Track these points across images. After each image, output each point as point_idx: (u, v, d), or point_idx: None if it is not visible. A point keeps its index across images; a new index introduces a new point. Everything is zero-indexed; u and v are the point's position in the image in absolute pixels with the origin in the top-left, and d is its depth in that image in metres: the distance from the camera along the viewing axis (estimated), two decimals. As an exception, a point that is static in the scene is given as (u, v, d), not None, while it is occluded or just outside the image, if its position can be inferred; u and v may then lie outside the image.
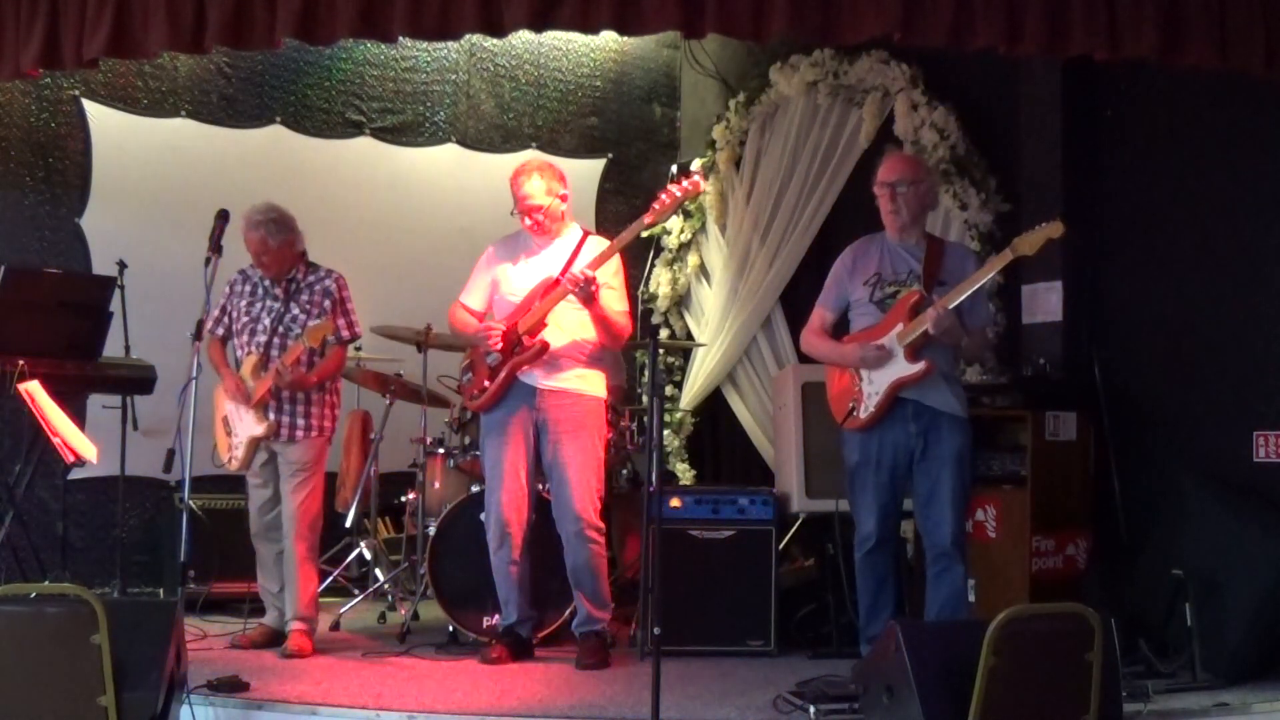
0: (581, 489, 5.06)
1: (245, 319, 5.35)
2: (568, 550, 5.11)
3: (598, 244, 5.15)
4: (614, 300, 5.12)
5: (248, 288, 5.40)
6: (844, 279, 4.89)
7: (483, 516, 5.19)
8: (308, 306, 5.31)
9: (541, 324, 5.04)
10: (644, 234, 5.26)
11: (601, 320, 5.07)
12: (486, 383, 5.10)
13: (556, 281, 5.05)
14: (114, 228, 6.56)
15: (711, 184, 7.37)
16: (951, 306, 4.58)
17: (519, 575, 5.14)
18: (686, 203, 7.23)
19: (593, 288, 4.93)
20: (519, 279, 5.17)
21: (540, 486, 5.26)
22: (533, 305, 5.06)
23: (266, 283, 5.36)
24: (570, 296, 4.98)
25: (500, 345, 5.05)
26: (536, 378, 5.07)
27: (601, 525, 5.14)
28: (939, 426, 4.69)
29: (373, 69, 7.39)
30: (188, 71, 6.83)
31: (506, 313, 5.15)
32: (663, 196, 4.97)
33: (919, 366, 4.63)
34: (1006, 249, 4.63)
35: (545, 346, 5.02)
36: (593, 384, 5.17)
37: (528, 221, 5.17)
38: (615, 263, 5.13)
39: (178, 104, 6.83)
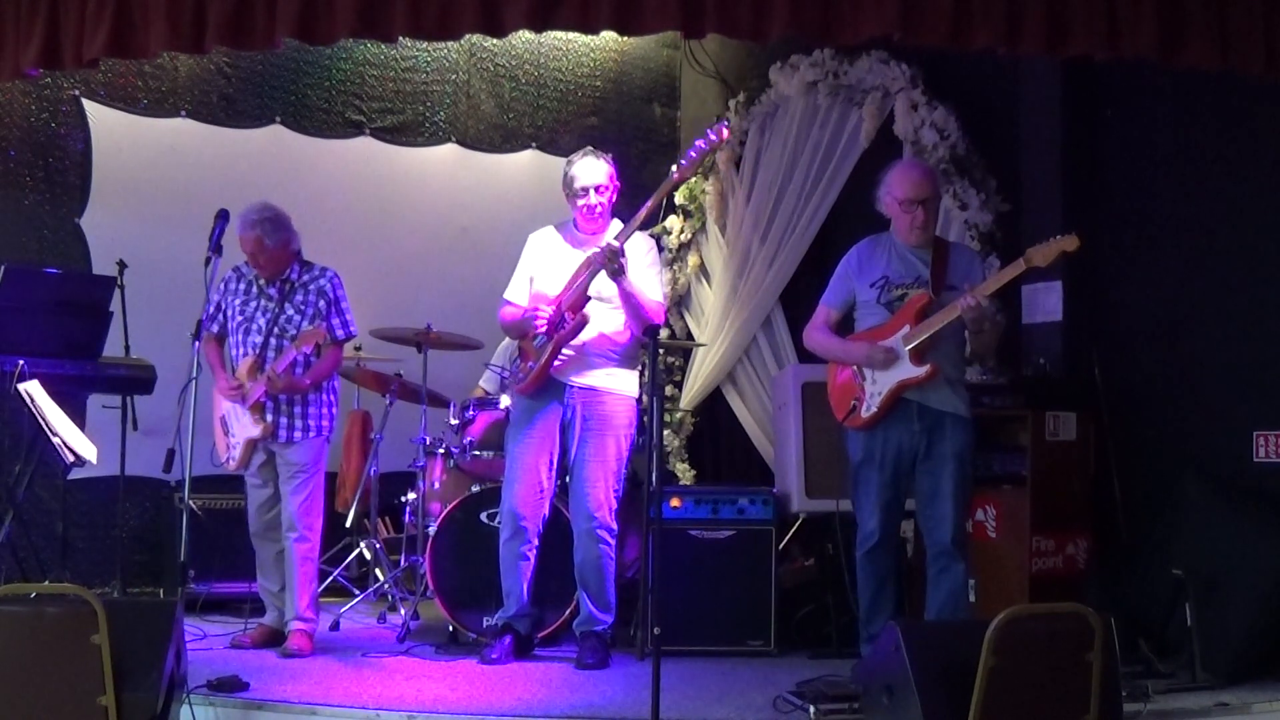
0: (599, 487, 5.04)
1: (240, 318, 5.33)
2: (577, 547, 5.09)
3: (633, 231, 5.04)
4: (645, 281, 5.04)
5: (242, 286, 5.38)
6: (850, 278, 4.89)
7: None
8: (302, 306, 5.30)
9: (584, 298, 4.98)
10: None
11: (629, 298, 4.96)
12: (531, 363, 5.07)
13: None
14: (114, 228, 6.55)
15: (711, 184, 7.37)
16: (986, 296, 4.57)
17: (526, 568, 5.11)
18: (687, 201, 7.37)
19: (620, 259, 4.86)
20: (556, 276, 5.10)
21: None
22: (572, 286, 5.01)
23: (261, 282, 5.33)
24: (602, 285, 4.91)
25: (544, 326, 5.01)
26: (569, 375, 5.04)
27: (614, 526, 5.11)
28: (943, 425, 4.69)
29: (373, 69, 7.39)
30: (188, 71, 6.82)
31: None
32: (692, 152, 4.95)
33: (924, 369, 4.64)
34: (1019, 259, 4.57)
35: (586, 319, 4.96)
36: (624, 383, 5.14)
37: (591, 206, 5.08)
38: (647, 244, 5.10)
39: (178, 104, 6.82)
